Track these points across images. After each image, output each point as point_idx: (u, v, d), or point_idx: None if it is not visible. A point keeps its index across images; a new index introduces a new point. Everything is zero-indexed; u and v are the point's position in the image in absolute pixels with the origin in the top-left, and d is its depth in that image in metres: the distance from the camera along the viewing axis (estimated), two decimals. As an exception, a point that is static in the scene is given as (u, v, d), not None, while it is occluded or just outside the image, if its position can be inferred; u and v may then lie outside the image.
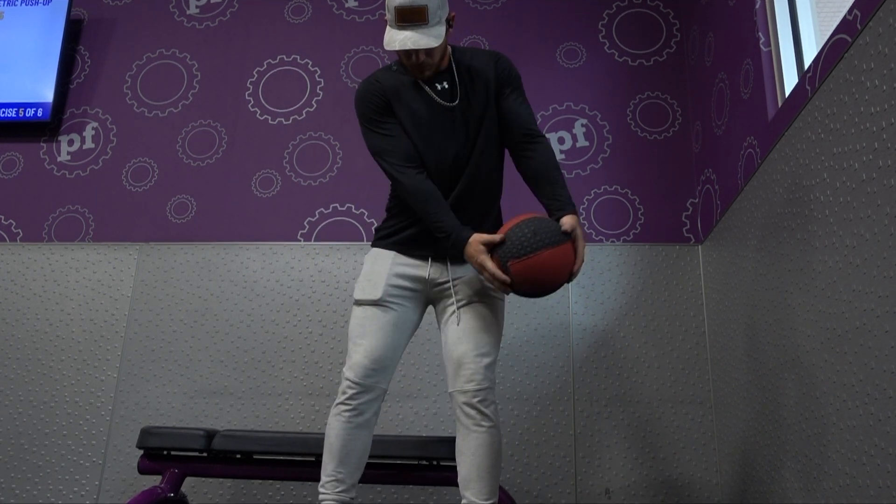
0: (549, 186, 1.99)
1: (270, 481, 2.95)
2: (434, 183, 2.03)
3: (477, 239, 1.90)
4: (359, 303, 2.05)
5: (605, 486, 2.89)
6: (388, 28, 1.96)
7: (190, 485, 2.97)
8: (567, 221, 1.90)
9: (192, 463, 2.52)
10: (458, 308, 2.03)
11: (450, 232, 1.94)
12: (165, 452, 2.53)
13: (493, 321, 2.02)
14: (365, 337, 1.99)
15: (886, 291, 1.62)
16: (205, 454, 2.52)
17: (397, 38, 1.91)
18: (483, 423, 1.93)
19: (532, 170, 2.02)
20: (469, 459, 1.93)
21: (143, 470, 2.51)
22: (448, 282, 2.06)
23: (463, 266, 2.07)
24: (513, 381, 3.03)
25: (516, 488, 2.89)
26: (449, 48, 2.09)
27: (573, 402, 3.00)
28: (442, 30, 1.93)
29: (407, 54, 1.97)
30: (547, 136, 3.37)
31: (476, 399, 1.92)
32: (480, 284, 2.04)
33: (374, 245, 2.14)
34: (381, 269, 2.05)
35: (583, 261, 1.91)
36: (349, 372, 1.97)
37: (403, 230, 2.09)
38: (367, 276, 2.07)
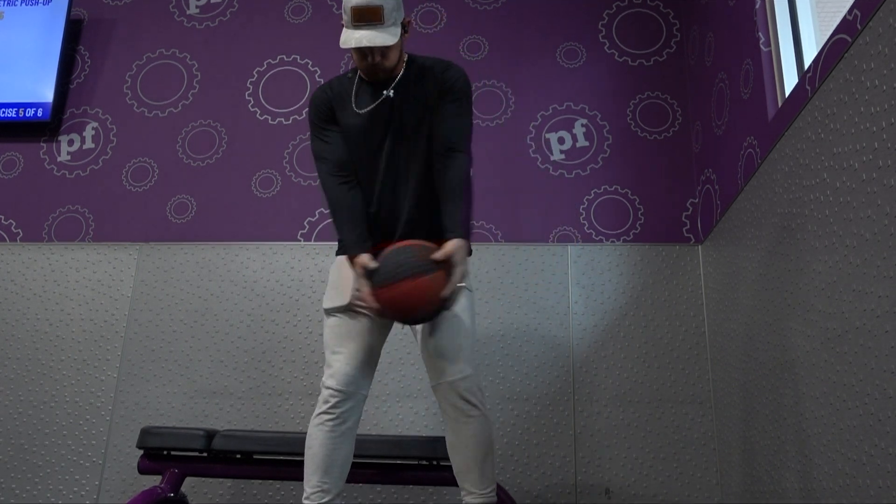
0: (449, 204, 1.95)
1: (270, 481, 2.95)
2: (363, 179, 2.07)
3: (359, 261, 1.94)
4: (329, 312, 2.05)
5: (605, 486, 2.89)
6: (343, 29, 1.99)
7: (190, 485, 2.97)
8: (446, 247, 1.87)
9: (192, 463, 2.52)
10: None
11: (346, 245, 1.99)
12: (165, 452, 2.53)
13: (462, 310, 2.01)
14: (342, 345, 2.00)
15: (886, 291, 1.62)
16: (205, 454, 2.52)
17: (353, 37, 1.95)
18: (471, 412, 1.93)
19: (440, 183, 2.00)
20: (462, 452, 1.93)
21: (143, 470, 2.51)
22: None
23: None
24: (513, 381, 3.03)
25: (516, 488, 2.89)
26: (405, 56, 2.10)
27: (573, 402, 3.00)
28: (397, 30, 1.96)
29: (362, 54, 1.99)
30: (547, 136, 3.37)
31: (459, 389, 1.92)
32: None
33: (337, 253, 2.14)
34: (346, 275, 2.05)
35: (455, 284, 1.86)
36: (331, 380, 1.96)
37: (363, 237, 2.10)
38: (333, 284, 2.08)
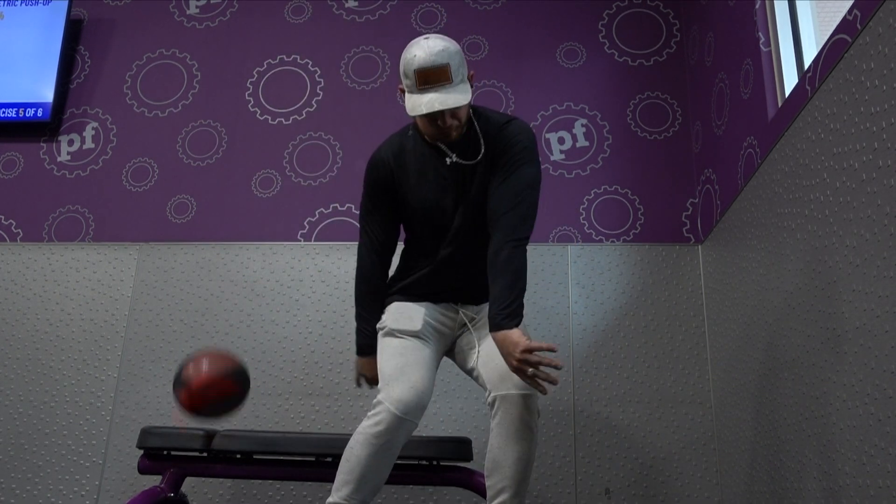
0: (500, 286, 1.86)
1: (270, 481, 2.95)
2: (431, 244, 2.06)
3: (362, 361, 2.14)
4: (394, 333, 2.01)
5: (605, 486, 2.89)
6: (408, 95, 1.87)
7: (190, 485, 2.97)
8: (525, 341, 1.76)
9: (192, 463, 2.52)
10: (485, 331, 2.02)
11: (357, 329, 2.13)
12: (165, 452, 2.53)
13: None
14: (409, 368, 1.91)
15: (886, 291, 1.62)
16: (205, 454, 2.52)
17: (423, 102, 1.82)
18: (526, 433, 1.86)
19: (495, 269, 1.90)
20: (507, 469, 1.86)
21: (143, 470, 2.51)
22: (473, 318, 2.10)
23: (483, 304, 2.11)
24: (513, 381, 3.03)
25: (516, 488, 2.89)
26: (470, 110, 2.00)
27: (573, 402, 3.00)
28: (468, 88, 1.85)
29: (432, 119, 1.88)
30: (547, 136, 3.37)
31: (529, 402, 1.86)
32: None
33: (392, 297, 2.12)
34: (413, 306, 2.04)
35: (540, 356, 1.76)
36: (392, 406, 1.85)
37: (423, 284, 2.09)
38: (399, 310, 2.04)
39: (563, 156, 3.36)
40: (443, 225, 2.03)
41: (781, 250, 2.23)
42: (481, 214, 2.01)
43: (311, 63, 3.61)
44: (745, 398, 2.55)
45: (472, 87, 1.93)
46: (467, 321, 2.09)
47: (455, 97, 1.82)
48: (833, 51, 1.93)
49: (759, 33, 2.54)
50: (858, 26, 1.78)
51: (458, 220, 2.01)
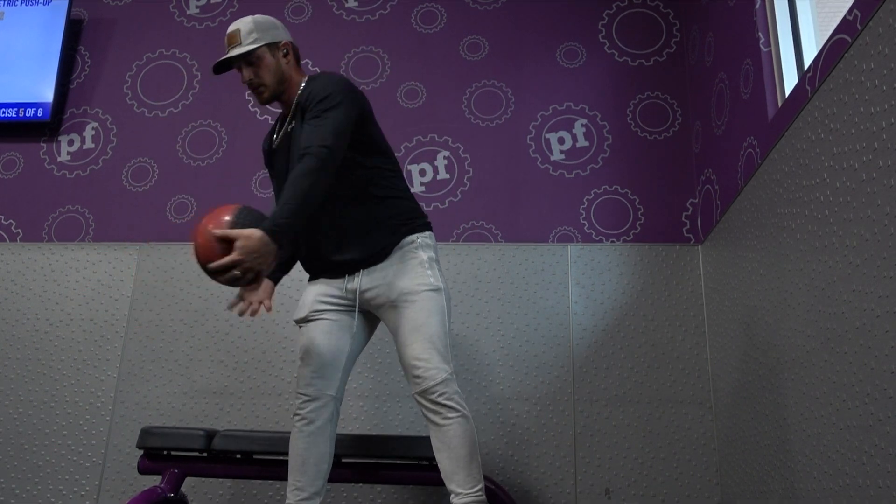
0: (280, 198, 1.91)
1: (270, 481, 2.95)
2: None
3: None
4: (298, 324, 2.20)
5: (605, 486, 2.89)
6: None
7: (190, 485, 2.97)
8: (240, 231, 1.80)
9: (192, 463, 2.52)
10: (390, 312, 2.09)
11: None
12: (165, 452, 2.53)
13: (427, 315, 2.02)
14: (303, 350, 2.12)
15: (886, 291, 1.63)
16: (205, 454, 2.52)
17: (219, 60, 2.15)
18: (449, 415, 1.95)
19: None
20: (445, 454, 1.96)
21: (143, 470, 2.51)
22: (367, 291, 2.11)
23: (377, 272, 2.10)
24: (513, 381, 3.03)
25: (516, 488, 2.89)
26: (304, 81, 2.19)
27: (573, 402, 3.00)
28: (253, 47, 2.11)
29: (240, 75, 2.22)
30: (547, 136, 3.37)
31: (434, 395, 1.95)
32: (403, 284, 2.06)
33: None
34: (309, 294, 2.19)
35: (222, 264, 1.78)
36: (298, 388, 2.10)
37: (304, 260, 2.23)
38: (301, 301, 2.22)
39: (563, 156, 3.36)
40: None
41: (781, 250, 2.23)
42: None
43: (310, 63, 3.61)
44: (745, 398, 2.55)
45: (285, 55, 2.17)
46: (358, 292, 2.12)
47: (237, 49, 2.11)
48: (833, 51, 1.93)
49: (759, 33, 2.54)
50: (858, 26, 1.78)
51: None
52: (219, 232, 1.81)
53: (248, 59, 2.12)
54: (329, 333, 2.12)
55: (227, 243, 1.79)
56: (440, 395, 1.95)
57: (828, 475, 1.89)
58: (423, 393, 1.97)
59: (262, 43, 2.14)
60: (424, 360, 1.97)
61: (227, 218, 1.84)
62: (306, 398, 2.07)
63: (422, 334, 2.00)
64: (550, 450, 2.94)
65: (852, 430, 1.76)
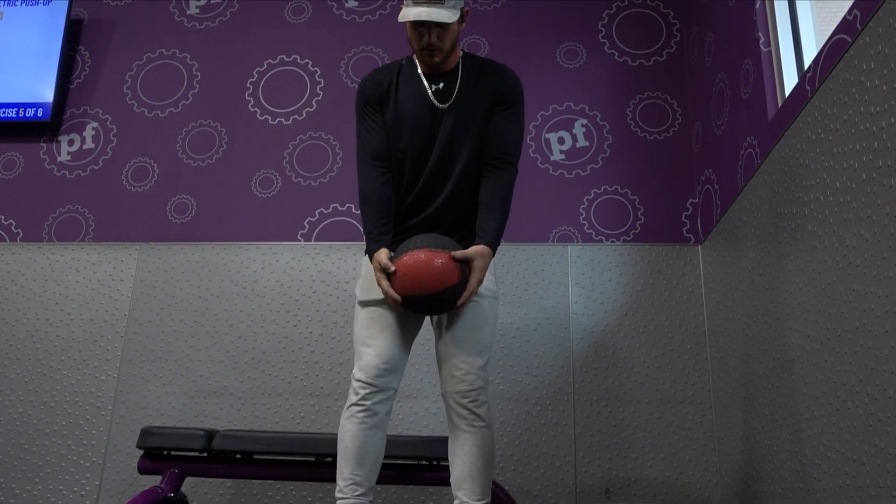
0: (487, 213, 2.00)
1: (270, 481, 2.95)
2: (411, 181, 2.07)
3: (378, 257, 1.94)
4: (363, 304, 2.05)
5: (605, 486, 2.89)
6: (403, 7, 1.99)
7: (190, 485, 2.97)
8: (469, 249, 1.92)
9: (192, 463, 2.52)
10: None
11: (368, 237, 2.01)
12: (165, 452, 2.53)
13: (483, 320, 2.01)
14: (374, 337, 1.98)
15: (886, 291, 1.62)
16: (205, 454, 2.52)
17: (412, 12, 1.94)
18: (476, 423, 1.93)
19: (484, 190, 2.03)
20: (461, 460, 1.93)
21: (143, 470, 2.51)
22: None
23: None
24: (513, 381, 3.03)
25: (516, 488, 2.89)
26: (460, 51, 2.11)
27: (573, 402, 3.00)
28: (456, 13, 1.96)
29: (419, 34, 1.99)
30: (547, 136, 3.37)
31: (467, 400, 1.92)
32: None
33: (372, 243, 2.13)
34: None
35: (471, 293, 1.91)
36: (360, 373, 1.95)
37: (402, 220, 2.11)
38: (367, 277, 2.06)
39: (563, 156, 3.36)
40: (423, 145, 2.06)
41: (781, 250, 2.23)
42: (454, 152, 2.06)
43: (311, 63, 3.61)
44: (745, 398, 2.55)
45: (463, 21, 2.04)
46: None
47: (441, 14, 1.93)
48: (833, 51, 1.93)
49: (759, 33, 2.54)
50: (858, 26, 1.78)
51: (440, 142, 2.05)
52: (459, 254, 1.89)
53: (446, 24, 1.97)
54: (403, 325, 2.02)
55: (463, 263, 1.90)
56: (473, 402, 1.93)
57: (828, 475, 1.89)
58: (459, 394, 1.93)
59: (460, 8, 2.00)
60: (470, 362, 1.95)
61: (434, 254, 1.88)
62: (374, 389, 1.93)
63: (476, 337, 1.98)
64: (550, 450, 2.94)
65: (852, 430, 1.76)
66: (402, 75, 2.10)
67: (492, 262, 2.08)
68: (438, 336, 2.04)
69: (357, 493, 1.90)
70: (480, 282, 1.93)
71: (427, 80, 2.07)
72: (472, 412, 1.93)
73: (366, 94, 2.10)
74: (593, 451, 2.93)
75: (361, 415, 1.93)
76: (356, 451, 1.92)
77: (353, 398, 1.94)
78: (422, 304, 1.89)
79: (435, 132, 2.05)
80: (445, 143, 2.04)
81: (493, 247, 1.97)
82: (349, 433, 1.93)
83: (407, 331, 2.04)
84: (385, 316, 2.01)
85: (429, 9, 1.94)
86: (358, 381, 1.95)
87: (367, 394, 1.93)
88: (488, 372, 2.01)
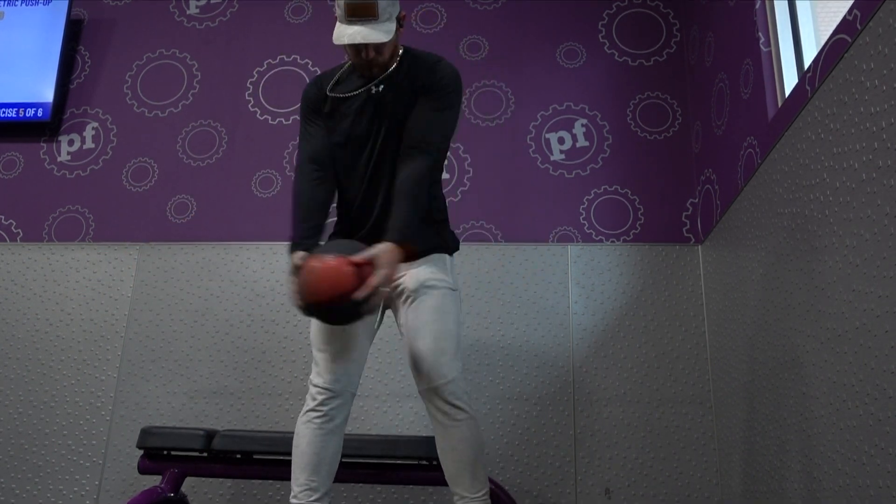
0: (396, 205, 1.90)
1: (270, 481, 2.95)
2: (352, 192, 2.05)
3: (294, 256, 1.88)
4: None
5: (605, 486, 2.89)
6: (337, 24, 1.96)
7: (190, 485, 2.97)
8: (371, 249, 1.79)
9: (192, 463, 2.52)
10: (406, 303, 1.98)
11: (291, 239, 1.96)
12: (165, 452, 2.53)
13: (444, 311, 1.97)
14: (328, 342, 1.96)
15: (886, 291, 1.63)
16: (205, 454, 2.52)
17: (346, 33, 1.91)
18: (458, 416, 1.90)
19: (398, 181, 1.94)
20: (451, 455, 1.91)
21: (143, 470, 2.51)
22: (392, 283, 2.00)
23: (402, 267, 2.01)
24: (513, 381, 3.03)
25: (516, 488, 2.89)
26: (400, 49, 2.08)
27: (573, 402, 3.00)
28: (392, 26, 1.94)
29: (356, 50, 1.96)
30: (547, 136, 3.37)
31: (444, 394, 1.89)
32: (426, 276, 1.99)
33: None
34: None
35: (372, 288, 1.74)
36: (318, 378, 1.94)
37: (338, 235, 2.11)
38: None
39: (563, 156, 3.36)
40: (358, 154, 2.04)
41: (781, 250, 2.23)
42: (385, 157, 2.02)
43: (311, 63, 3.61)
44: (745, 398, 2.55)
45: (400, 26, 2.01)
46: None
47: (377, 34, 1.89)
48: (833, 51, 1.93)
49: (759, 33, 2.54)
50: (858, 26, 1.78)
51: (373, 149, 2.02)
52: (359, 257, 1.75)
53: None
54: (356, 328, 1.98)
55: (365, 266, 1.75)
56: (449, 394, 1.89)
57: (828, 475, 1.89)
58: (431, 391, 1.90)
59: (395, 17, 1.97)
60: (436, 355, 1.90)
61: (327, 258, 1.75)
62: (330, 394, 1.92)
63: (435, 328, 1.93)
64: (550, 450, 2.94)
65: (852, 430, 1.76)
66: (342, 78, 2.10)
67: (447, 261, 2.05)
68: (404, 334, 2.00)
69: (312, 498, 1.90)
70: (387, 278, 1.79)
71: (366, 81, 2.05)
72: (452, 405, 1.90)
73: (306, 99, 2.12)
74: (593, 451, 2.93)
75: (319, 420, 1.91)
76: (312, 457, 1.90)
77: (310, 403, 1.93)
78: (322, 313, 1.78)
79: (368, 137, 2.03)
80: (378, 150, 2.02)
81: (401, 241, 1.83)
82: (305, 438, 1.91)
83: (362, 333, 2.01)
84: None
85: (363, 28, 1.90)
86: (315, 386, 1.93)
87: (325, 399, 1.92)
88: (459, 361, 1.96)
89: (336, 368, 1.94)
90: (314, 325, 2.02)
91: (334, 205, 2.11)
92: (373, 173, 2.04)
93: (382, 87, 2.03)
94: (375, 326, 2.11)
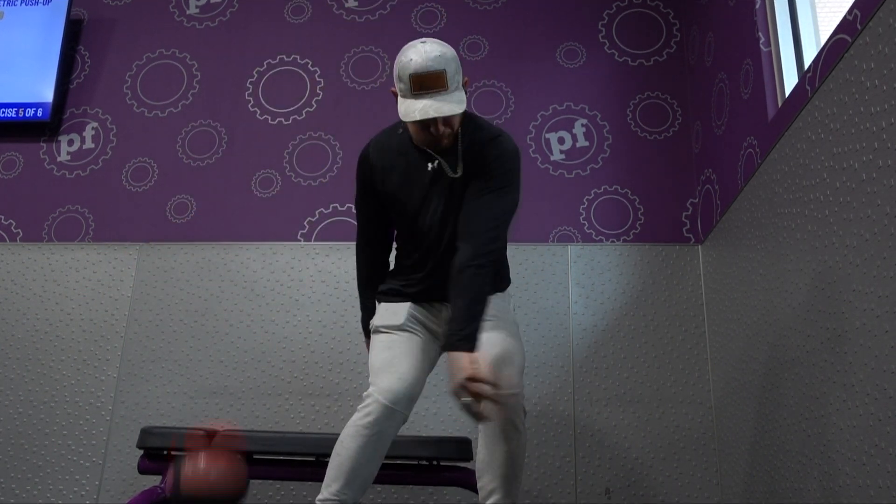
0: (455, 303, 1.82)
1: (270, 481, 2.95)
2: (424, 253, 2.03)
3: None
4: (380, 329, 2.01)
5: (605, 486, 2.89)
6: (401, 99, 1.84)
7: (190, 485, 2.97)
8: (481, 366, 1.72)
9: (192, 463, 2.51)
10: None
11: (362, 310, 2.18)
12: (165, 452, 2.53)
13: (515, 335, 2.00)
14: (394, 362, 1.90)
15: (886, 291, 1.63)
16: (205, 454, 2.52)
17: (416, 108, 1.78)
18: (512, 433, 1.86)
19: (453, 271, 1.85)
20: (495, 470, 1.86)
21: (143, 470, 2.51)
22: None
23: None
24: (513, 381, 3.03)
25: (516, 488, 2.89)
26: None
27: (573, 402, 3.00)
28: (463, 96, 1.83)
29: (425, 126, 1.84)
30: (547, 136, 3.37)
31: (510, 405, 1.83)
32: (497, 307, 2.00)
33: (380, 301, 2.09)
34: (399, 305, 2.03)
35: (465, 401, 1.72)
36: (381, 395, 1.83)
37: (414, 285, 2.05)
38: (385, 308, 2.05)
39: (563, 156, 3.36)
40: (424, 232, 2.00)
41: (781, 250, 2.23)
42: (450, 226, 2.00)
43: (311, 63, 3.61)
44: (745, 398, 2.55)
45: (466, 93, 1.89)
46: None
47: (450, 105, 1.78)
48: (833, 51, 1.93)
49: (759, 33, 2.54)
50: (858, 26, 1.78)
51: (439, 231, 1.98)
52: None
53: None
54: (424, 352, 1.96)
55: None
56: (512, 408, 1.84)
57: (828, 475, 1.89)
58: (501, 397, 1.80)
59: (461, 84, 1.85)
60: (508, 365, 1.87)
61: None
62: (389, 413, 1.82)
63: (508, 345, 1.92)
64: (550, 450, 2.94)
65: (852, 430, 1.76)
66: (398, 148, 2.00)
67: (509, 299, 2.13)
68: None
69: None
70: (460, 385, 1.71)
71: (423, 155, 1.96)
72: (511, 421, 1.85)
73: (362, 173, 2.06)
74: (593, 451, 2.93)
75: (368, 432, 1.82)
76: (351, 471, 1.82)
77: (365, 419, 1.83)
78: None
79: (440, 201, 1.96)
80: (438, 222, 1.97)
81: (465, 348, 1.74)
82: (350, 451, 1.83)
83: (426, 359, 1.99)
84: (406, 341, 1.96)
85: (436, 102, 1.77)
86: (377, 402, 1.83)
87: (382, 416, 1.82)
88: (522, 379, 1.96)
89: (400, 389, 1.86)
90: (381, 342, 1.99)
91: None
92: (438, 248, 2.00)
93: (438, 162, 1.94)
94: (435, 360, 2.08)
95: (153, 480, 2.97)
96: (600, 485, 2.89)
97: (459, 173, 1.92)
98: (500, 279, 2.12)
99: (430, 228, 1.99)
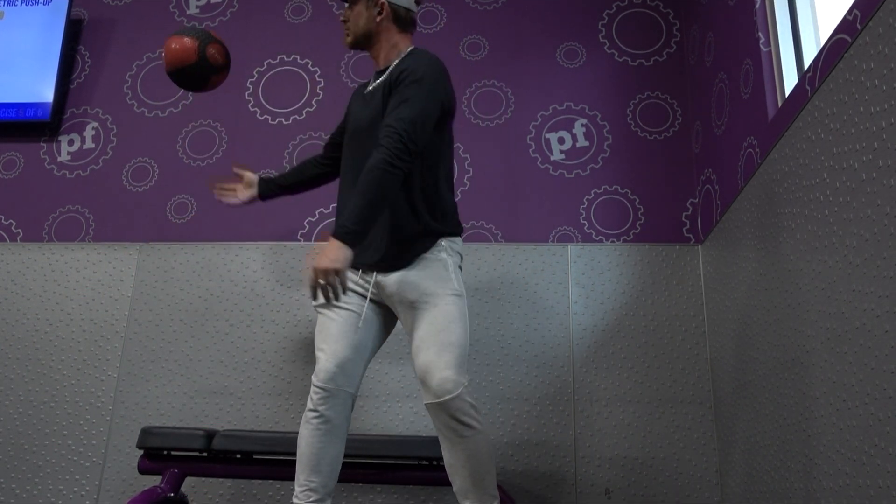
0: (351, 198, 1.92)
1: (270, 481, 2.95)
2: (344, 172, 2.20)
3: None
4: (317, 310, 2.06)
5: (605, 486, 2.89)
6: None
7: (190, 485, 2.97)
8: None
9: (192, 463, 2.52)
10: (409, 313, 1.98)
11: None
12: (165, 452, 2.53)
13: (448, 320, 1.93)
14: (326, 341, 1.97)
15: (886, 291, 1.63)
16: (205, 454, 2.53)
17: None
18: (465, 433, 1.86)
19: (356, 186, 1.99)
20: (460, 472, 1.87)
21: (143, 470, 2.51)
22: (388, 286, 2.02)
23: (402, 271, 2.01)
24: (513, 381, 3.03)
25: (516, 488, 2.89)
26: (402, 48, 2.17)
27: (573, 402, 3.00)
28: (359, 6, 2.16)
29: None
30: (547, 136, 3.37)
31: (451, 409, 1.84)
32: (426, 283, 1.97)
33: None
34: None
35: (310, 279, 1.83)
36: (315, 378, 1.93)
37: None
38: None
39: (563, 156, 3.36)
40: (351, 149, 2.16)
41: (781, 250, 2.23)
42: (367, 140, 2.13)
43: (311, 63, 3.61)
44: (745, 398, 2.55)
45: (379, 14, 2.16)
46: (381, 290, 2.05)
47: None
48: (833, 51, 1.93)
49: (759, 33, 2.54)
50: (858, 26, 1.78)
51: (351, 140, 2.17)
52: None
53: None
54: (356, 326, 1.99)
55: (204, 45, 2.20)
56: (455, 410, 1.84)
57: (828, 475, 1.89)
58: (437, 406, 1.85)
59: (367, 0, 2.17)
60: (439, 368, 1.85)
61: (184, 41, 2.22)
62: (326, 394, 1.91)
63: (440, 340, 1.89)
64: (550, 450, 2.94)
65: (852, 430, 1.77)
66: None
67: (448, 264, 2.01)
68: (410, 347, 1.98)
69: (311, 498, 1.89)
70: (321, 266, 1.80)
71: (373, 79, 2.21)
72: (458, 420, 1.85)
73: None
74: (593, 451, 2.93)
75: (316, 421, 1.91)
76: (311, 458, 1.90)
77: (309, 404, 1.94)
78: (174, 80, 2.26)
79: (361, 121, 2.15)
80: (367, 147, 2.08)
81: (340, 237, 1.83)
82: (304, 439, 1.92)
83: (364, 331, 2.01)
84: (337, 320, 2.00)
85: None
86: (314, 385, 1.93)
87: (320, 399, 1.91)
88: (466, 373, 1.91)
89: (331, 368, 1.93)
90: (318, 323, 2.03)
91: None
92: (348, 170, 2.16)
93: (375, 83, 2.16)
94: (382, 329, 2.10)
95: (153, 480, 2.98)
96: (600, 485, 2.89)
97: (370, 88, 2.17)
98: (437, 214, 2.07)
99: (353, 143, 2.16)
